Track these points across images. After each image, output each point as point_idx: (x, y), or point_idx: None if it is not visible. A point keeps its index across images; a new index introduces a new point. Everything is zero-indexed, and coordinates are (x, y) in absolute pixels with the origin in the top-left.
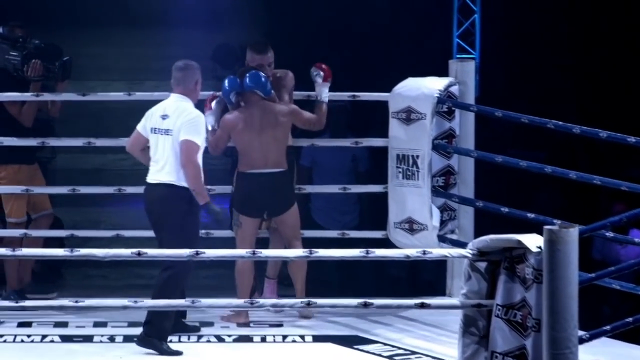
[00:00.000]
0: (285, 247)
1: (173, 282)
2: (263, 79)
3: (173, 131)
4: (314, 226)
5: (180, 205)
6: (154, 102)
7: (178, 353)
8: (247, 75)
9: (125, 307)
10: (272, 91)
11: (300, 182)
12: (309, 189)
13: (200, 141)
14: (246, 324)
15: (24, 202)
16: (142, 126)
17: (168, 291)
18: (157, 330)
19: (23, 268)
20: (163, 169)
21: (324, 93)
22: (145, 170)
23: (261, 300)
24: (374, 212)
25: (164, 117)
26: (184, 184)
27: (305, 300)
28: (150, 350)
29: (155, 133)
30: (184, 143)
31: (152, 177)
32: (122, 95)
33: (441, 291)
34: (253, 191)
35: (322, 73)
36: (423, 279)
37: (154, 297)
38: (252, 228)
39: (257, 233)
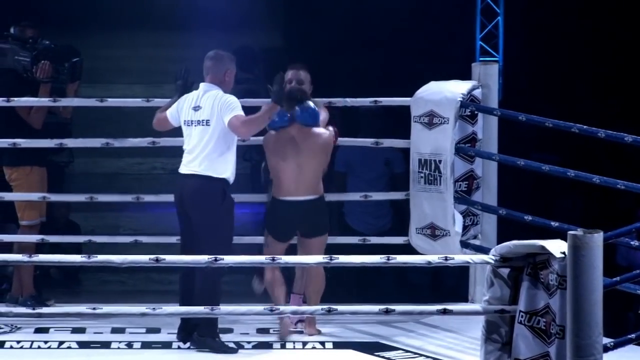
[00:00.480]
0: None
1: (210, 284)
2: (316, 113)
3: (211, 120)
4: (347, 231)
5: (215, 198)
6: None
7: (234, 350)
8: (305, 109)
9: (143, 315)
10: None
11: (336, 188)
12: (331, 197)
13: (241, 113)
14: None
15: (38, 205)
16: (171, 113)
17: (208, 292)
18: (208, 329)
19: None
20: (197, 160)
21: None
22: (162, 174)
23: (281, 307)
24: (407, 217)
25: (196, 108)
26: (219, 175)
27: (326, 307)
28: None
29: (189, 125)
30: (231, 121)
31: (186, 168)
32: (141, 101)
33: (463, 297)
34: (284, 218)
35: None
36: (445, 285)
37: (197, 302)
38: (280, 250)
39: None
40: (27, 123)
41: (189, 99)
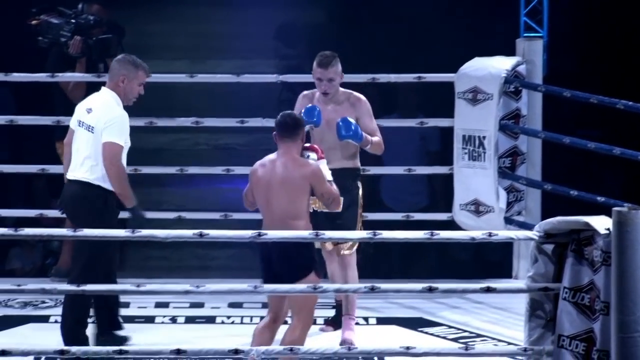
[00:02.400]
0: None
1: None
2: (354, 127)
3: (95, 129)
4: (382, 208)
5: (94, 205)
6: (216, 83)
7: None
8: (340, 124)
9: (187, 292)
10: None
11: (371, 163)
12: (374, 170)
13: (123, 141)
14: None
15: None
16: (72, 120)
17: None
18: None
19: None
20: (80, 165)
21: (325, 169)
22: (205, 150)
23: (324, 285)
24: (445, 194)
25: (89, 110)
26: (99, 183)
27: (369, 285)
28: (215, 331)
29: (80, 126)
30: (105, 145)
31: (70, 174)
32: (185, 77)
33: (507, 273)
34: (261, 256)
35: (313, 154)
36: (489, 260)
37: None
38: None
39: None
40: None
41: (86, 100)
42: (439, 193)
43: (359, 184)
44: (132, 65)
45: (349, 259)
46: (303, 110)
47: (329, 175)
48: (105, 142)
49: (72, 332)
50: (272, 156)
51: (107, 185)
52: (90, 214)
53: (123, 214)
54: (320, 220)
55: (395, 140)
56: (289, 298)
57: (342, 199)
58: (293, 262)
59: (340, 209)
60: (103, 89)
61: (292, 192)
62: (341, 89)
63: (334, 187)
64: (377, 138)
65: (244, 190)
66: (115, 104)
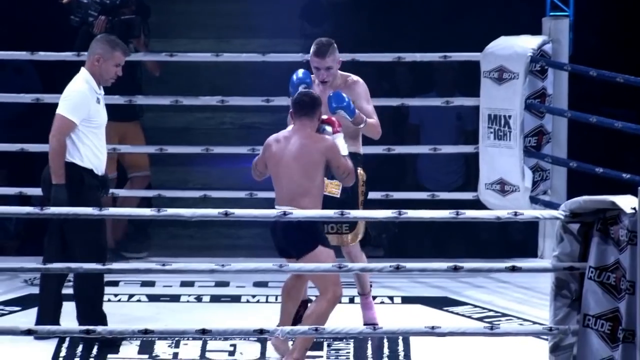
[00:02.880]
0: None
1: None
2: (346, 100)
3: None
4: (414, 187)
5: (70, 186)
6: (242, 63)
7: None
8: (331, 96)
9: (212, 271)
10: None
11: (409, 141)
12: (400, 149)
13: (75, 118)
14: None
15: (113, 159)
16: None
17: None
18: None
19: (117, 228)
20: None
21: (341, 144)
22: (230, 129)
23: (349, 265)
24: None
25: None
26: (71, 159)
27: (394, 264)
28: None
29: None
30: (56, 117)
31: None
32: (210, 56)
33: (532, 252)
34: (270, 231)
35: (328, 127)
36: (514, 240)
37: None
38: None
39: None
40: None
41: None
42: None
43: (360, 170)
44: (109, 45)
45: (354, 251)
46: (296, 77)
47: (344, 150)
48: (57, 114)
49: (86, 312)
50: (286, 132)
51: (81, 163)
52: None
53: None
54: (324, 206)
55: (433, 119)
56: (311, 276)
57: (354, 174)
58: (296, 236)
59: (352, 183)
60: (81, 69)
61: (307, 168)
62: (339, 72)
63: (349, 161)
64: (372, 120)
65: (254, 160)
66: (82, 81)
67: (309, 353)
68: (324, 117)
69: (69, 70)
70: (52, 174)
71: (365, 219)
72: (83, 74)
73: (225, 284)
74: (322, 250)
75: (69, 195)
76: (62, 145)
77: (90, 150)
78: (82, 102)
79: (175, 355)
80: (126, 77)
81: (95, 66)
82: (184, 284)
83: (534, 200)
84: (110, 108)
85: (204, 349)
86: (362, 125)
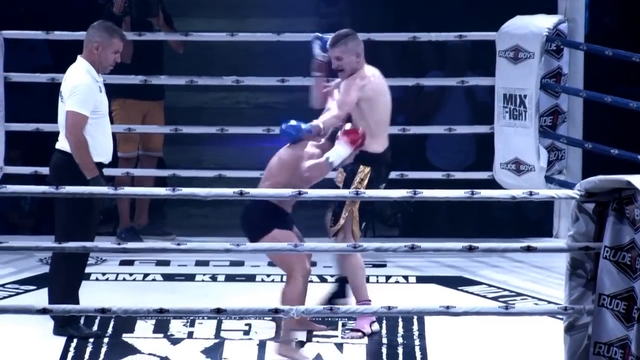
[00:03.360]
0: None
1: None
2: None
3: (64, 98)
4: (424, 166)
5: (70, 174)
6: (256, 42)
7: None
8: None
9: (227, 250)
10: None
11: (426, 108)
12: (414, 130)
13: (86, 111)
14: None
15: (131, 137)
16: None
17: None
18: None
19: (138, 208)
20: (61, 134)
21: (336, 150)
22: (245, 108)
23: (364, 244)
24: (490, 152)
25: (65, 80)
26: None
27: (409, 244)
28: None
29: (59, 96)
30: (68, 114)
31: (57, 143)
32: (225, 35)
33: (547, 232)
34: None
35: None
36: (529, 219)
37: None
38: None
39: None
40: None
41: (70, 67)
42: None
43: (361, 167)
44: (106, 33)
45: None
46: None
47: (335, 156)
48: (68, 110)
49: (62, 295)
50: None
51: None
52: (62, 182)
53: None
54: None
55: (444, 99)
56: (274, 260)
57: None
58: (248, 223)
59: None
60: (79, 57)
61: (280, 157)
62: (367, 66)
63: (318, 169)
64: (322, 119)
65: None
66: (84, 72)
67: (324, 333)
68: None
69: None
70: (83, 170)
71: (380, 199)
72: (82, 64)
73: (240, 264)
74: (278, 232)
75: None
76: (82, 141)
77: (99, 142)
78: (89, 94)
79: (190, 334)
80: (148, 56)
81: (94, 54)
82: (198, 263)
83: (549, 179)
84: (135, 87)
85: (218, 328)
86: (322, 132)
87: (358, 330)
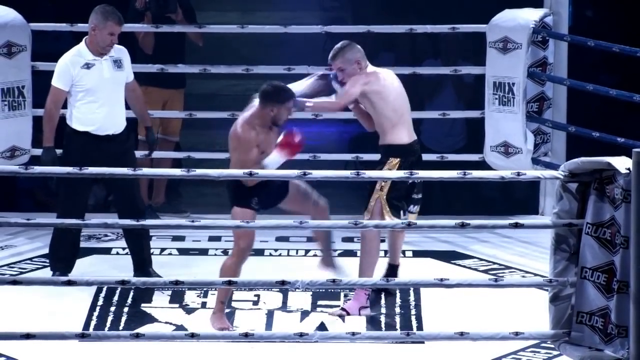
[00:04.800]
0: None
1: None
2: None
3: None
4: (421, 149)
5: (64, 143)
6: (265, 34)
7: None
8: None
9: (238, 227)
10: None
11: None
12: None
13: (60, 85)
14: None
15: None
16: None
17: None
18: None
19: (155, 188)
20: None
21: (273, 159)
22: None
23: (364, 221)
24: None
25: None
26: (69, 122)
27: (406, 221)
28: (263, 263)
29: None
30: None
31: None
32: (236, 27)
33: (534, 210)
34: None
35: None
36: (517, 198)
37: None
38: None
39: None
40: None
41: None
42: (478, 134)
43: (390, 159)
44: (102, 16)
45: (363, 231)
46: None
47: (270, 164)
48: (52, 83)
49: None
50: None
51: (71, 124)
52: (62, 151)
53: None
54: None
55: (435, 86)
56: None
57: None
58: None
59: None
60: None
61: (229, 145)
62: (376, 69)
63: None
64: (316, 100)
65: None
66: (70, 52)
67: (328, 302)
68: (291, 132)
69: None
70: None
71: (380, 179)
72: (78, 45)
73: None
74: (236, 210)
75: (63, 154)
76: (48, 111)
77: (83, 113)
78: (62, 70)
79: (204, 304)
80: (170, 48)
81: (92, 35)
82: (211, 238)
83: (535, 161)
84: (156, 75)
85: (230, 299)
86: (308, 110)
87: (344, 310)
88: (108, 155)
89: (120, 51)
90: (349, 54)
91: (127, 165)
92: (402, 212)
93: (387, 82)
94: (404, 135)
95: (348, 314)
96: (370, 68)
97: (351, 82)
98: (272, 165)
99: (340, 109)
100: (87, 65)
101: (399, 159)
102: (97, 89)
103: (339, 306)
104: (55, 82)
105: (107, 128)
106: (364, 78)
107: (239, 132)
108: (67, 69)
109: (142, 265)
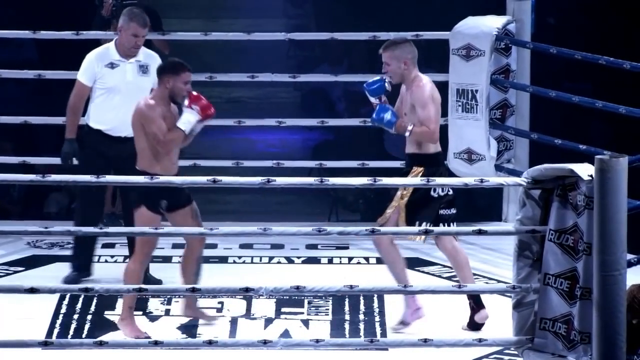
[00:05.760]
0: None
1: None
2: (381, 116)
3: None
4: (385, 156)
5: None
6: (228, 41)
7: None
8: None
9: (201, 234)
10: None
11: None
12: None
13: (83, 79)
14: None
15: None
16: None
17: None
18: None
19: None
20: None
21: (185, 118)
22: (218, 102)
23: (328, 228)
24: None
25: None
26: (87, 121)
27: (370, 227)
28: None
29: None
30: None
31: None
32: (199, 35)
33: (497, 216)
34: None
35: (186, 100)
36: (480, 205)
37: None
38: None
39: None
40: None
41: None
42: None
43: (414, 168)
44: (127, 17)
45: (379, 240)
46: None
47: (183, 124)
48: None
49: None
50: None
51: (89, 122)
52: (78, 146)
53: None
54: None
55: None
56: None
57: (171, 142)
58: (132, 193)
59: (169, 152)
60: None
61: (134, 130)
62: (418, 74)
63: (175, 133)
64: (418, 129)
65: None
66: (101, 48)
67: (291, 309)
68: (195, 93)
69: (69, 48)
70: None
71: (343, 186)
72: (110, 42)
73: (213, 246)
74: (143, 211)
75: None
76: (72, 104)
77: (99, 112)
78: (87, 65)
79: (167, 311)
80: None
81: (120, 37)
82: (175, 245)
83: (498, 168)
84: None
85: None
86: (406, 134)
87: (403, 324)
88: (119, 157)
89: (149, 57)
90: (398, 51)
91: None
92: (418, 224)
93: (436, 95)
94: (433, 146)
95: (408, 323)
96: (422, 75)
97: (421, 102)
98: (187, 126)
99: (436, 133)
100: (112, 65)
101: (422, 168)
102: (117, 90)
103: (302, 312)
104: (79, 76)
105: (120, 130)
106: (427, 89)
107: (144, 109)
108: (91, 65)
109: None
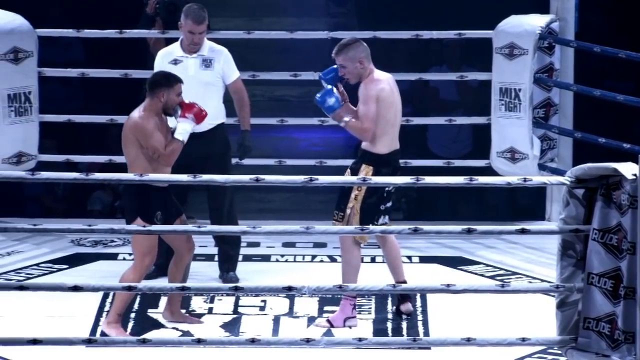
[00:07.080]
0: None
1: None
2: (324, 98)
3: None
4: (426, 155)
5: None
6: (271, 40)
7: None
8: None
9: (244, 232)
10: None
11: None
12: (417, 120)
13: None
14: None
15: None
16: None
17: None
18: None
19: None
20: None
21: (181, 128)
22: (261, 101)
23: (371, 227)
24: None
25: None
26: None
27: (412, 226)
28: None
29: None
30: None
31: None
32: (242, 33)
33: (540, 216)
34: None
35: (179, 110)
36: (523, 204)
37: None
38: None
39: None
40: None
41: None
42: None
43: (363, 166)
44: (184, 15)
45: (342, 240)
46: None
47: (180, 135)
48: None
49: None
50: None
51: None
52: None
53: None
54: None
55: (442, 91)
56: (132, 244)
57: (172, 154)
58: (124, 205)
59: (171, 164)
60: None
61: (124, 143)
62: (375, 70)
63: (175, 144)
64: (354, 121)
65: None
66: (169, 47)
67: (334, 308)
68: (186, 102)
69: (115, 47)
70: None
71: (386, 185)
72: (178, 40)
73: (256, 245)
74: (139, 224)
75: None
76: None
77: None
78: (156, 62)
79: (211, 310)
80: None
81: (182, 32)
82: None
83: (542, 167)
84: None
85: (236, 304)
86: (342, 124)
87: (329, 322)
88: (189, 153)
89: (215, 52)
90: (352, 52)
91: (211, 168)
92: (373, 224)
93: (393, 90)
94: (384, 146)
95: (332, 326)
96: (376, 72)
97: (363, 99)
98: (185, 136)
99: (369, 132)
100: (175, 61)
101: (371, 168)
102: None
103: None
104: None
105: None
106: (373, 93)
107: (139, 122)
108: (159, 62)
109: (227, 270)
